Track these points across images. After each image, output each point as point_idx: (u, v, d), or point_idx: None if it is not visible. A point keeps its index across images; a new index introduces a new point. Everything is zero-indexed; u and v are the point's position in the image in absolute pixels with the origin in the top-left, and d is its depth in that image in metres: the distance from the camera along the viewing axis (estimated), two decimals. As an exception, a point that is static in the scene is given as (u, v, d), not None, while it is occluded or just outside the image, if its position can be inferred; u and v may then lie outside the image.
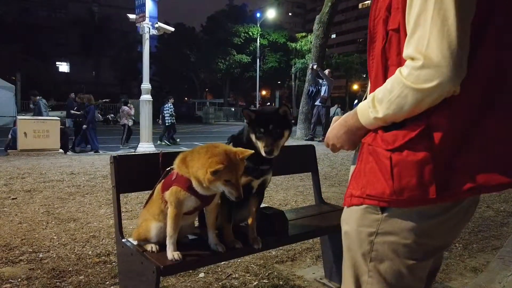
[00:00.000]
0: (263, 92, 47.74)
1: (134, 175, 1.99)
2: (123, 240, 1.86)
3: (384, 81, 1.03)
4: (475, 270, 2.94)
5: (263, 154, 1.66)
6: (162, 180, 1.73)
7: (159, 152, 2.00)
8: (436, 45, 0.89)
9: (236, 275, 2.69)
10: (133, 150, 10.09)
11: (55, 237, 3.23)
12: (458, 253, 3.30)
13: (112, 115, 29.35)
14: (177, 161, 1.67)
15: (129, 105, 14.11)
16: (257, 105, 25.03)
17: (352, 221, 1.12)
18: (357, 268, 1.11)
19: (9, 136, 9.32)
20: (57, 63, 47.58)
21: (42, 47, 38.85)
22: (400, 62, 1.00)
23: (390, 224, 1.05)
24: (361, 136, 1.11)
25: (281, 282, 2.58)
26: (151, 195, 1.79)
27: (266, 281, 2.60)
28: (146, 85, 10.22)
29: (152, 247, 1.72)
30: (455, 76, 0.90)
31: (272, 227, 2.03)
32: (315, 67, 12.29)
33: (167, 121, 13.74)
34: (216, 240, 1.76)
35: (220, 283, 2.54)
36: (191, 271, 2.67)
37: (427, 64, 0.90)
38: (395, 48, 1.02)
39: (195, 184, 1.59)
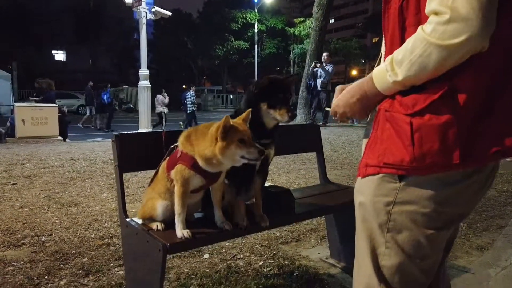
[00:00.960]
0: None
1: (137, 154, 1.94)
2: (127, 219, 1.82)
3: (402, 43, 0.97)
4: (480, 248, 2.93)
5: (285, 120, 1.62)
6: (167, 158, 1.69)
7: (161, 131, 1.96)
8: None
9: (241, 255, 2.67)
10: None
11: (57, 221, 3.19)
12: (463, 232, 3.29)
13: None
14: (181, 139, 1.62)
15: (163, 93, 14.85)
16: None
17: (367, 191, 1.08)
18: (373, 239, 1.07)
19: (8, 124, 9.24)
20: (53, 51, 47.06)
21: (38, 35, 38.40)
22: (420, 22, 0.94)
23: (408, 193, 1.00)
24: (375, 103, 1.06)
25: (286, 262, 2.56)
26: (156, 173, 1.75)
27: (272, 261, 2.58)
28: (144, 71, 10.11)
29: (157, 226, 1.68)
30: (485, 30, 0.84)
31: (278, 206, 2.00)
32: (318, 65, 12.12)
33: (189, 108, 14.50)
34: (222, 218, 1.72)
35: (225, 264, 2.52)
36: (195, 252, 2.65)
37: (454, 18, 0.85)
38: (414, 7, 0.96)
39: (201, 162, 1.54)
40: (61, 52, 49.09)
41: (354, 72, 50.89)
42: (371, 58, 48.43)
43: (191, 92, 14.79)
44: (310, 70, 12.31)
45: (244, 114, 1.57)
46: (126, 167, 1.92)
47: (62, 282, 2.21)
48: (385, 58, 1.04)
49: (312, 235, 3.09)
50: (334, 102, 1.17)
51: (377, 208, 1.05)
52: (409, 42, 0.93)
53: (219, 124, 1.48)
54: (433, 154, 0.93)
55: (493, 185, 4.96)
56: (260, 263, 2.55)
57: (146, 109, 10.19)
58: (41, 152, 6.65)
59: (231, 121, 1.50)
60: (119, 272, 2.33)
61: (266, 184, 2.08)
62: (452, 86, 0.91)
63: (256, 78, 36.34)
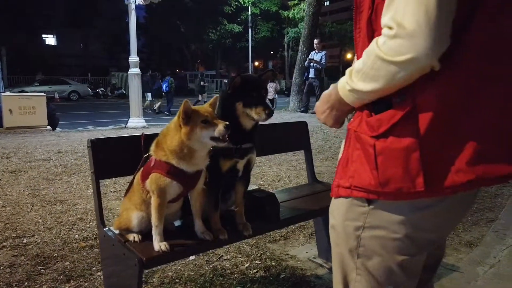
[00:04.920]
0: (256, 63, 47.03)
1: (115, 159, 1.87)
2: (104, 229, 1.76)
3: None
4: (470, 244, 2.91)
5: (262, 118, 1.56)
6: (141, 168, 1.61)
7: (140, 134, 1.87)
8: (412, 11, 0.77)
9: (228, 256, 2.62)
10: (124, 125, 9.90)
11: (40, 221, 3.13)
12: (453, 227, 3.27)
13: (103, 89, 28.82)
14: (152, 147, 1.57)
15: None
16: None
17: (338, 214, 1.02)
18: (345, 265, 1.02)
19: (-5, 113, 9.05)
20: (43, 35, 46.13)
21: (27, 19, 37.58)
22: None
23: (377, 217, 0.95)
24: (346, 112, 1.02)
25: (273, 263, 2.52)
26: (131, 183, 1.68)
27: (258, 262, 2.54)
28: (134, 58, 9.90)
29: (134, 237, 1.62)
30: (432, 49, 0.78)
31: (263, 211, 1.94)
32: (312, 64, 11.92)
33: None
34: (203, 228, 1.67)
35: (211, 266, 2.48)
36: (181, 253, 2.59)
37: (399, 34, 0.79)
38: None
39: (174, 160, 1.49)
40: (52, 36, 48.16)
41: (349, 56, 50.58)
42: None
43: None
44: (306, 63, 12.13)
45: (211, 100, 1.57)
46: (103, 173, 1.85)
47: (41, 289, 2.16)
48: None
49: (301, 233, 3.06)
50: (315, 107, 1.12)
51: (348, 232, 1.00)
52: (365, 53, 0.87)
53: (180, 110, 1.45)
54: (397, 180, 0.87)
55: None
56: (247, 265, 2.51)
57: (137, 96, 10.02)
58: (28, 144, 6.53)
59: (193, 106, 1.48)
60: (102, 277, 2.27)
61: (252, 187, 2.02)
62: (414, 106, 0.85)
63: (250, 62, 36.04)
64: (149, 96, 17.05)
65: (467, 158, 0.84)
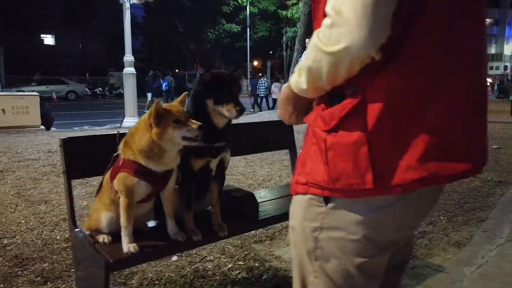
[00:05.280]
0: (255, 63, 46.97)
1: (88, 158, 1.82)
2: (76, 230, 1.71)
3: None
4: (458, 244, 2.87)
5: (233, 115, 1.52)
6: (111, 168, 1.57)
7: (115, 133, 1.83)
8: None
9: (211, 257, 2.58)
10: (119, 125, 9.86)
11: (23, 221, 3.08)
12: (442, 226, 3.23)
13: (101, 89, 28.76)
14: (121, 146, 1.52)
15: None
16: (249, 77, 24.92)
17: (297, 215, 0.98)
18: (303, 267, 0.98)
19: (-11, 113, 8.99)
20: (41, 35, 46.01)
21: (26, 18, 37.49)
22: None
23: (335, 218, 0.90)
24: (301, 106, 0.98)
25: (256, 264, 2.48)
26: (102, 183, 1.63)
27: (242, 263, 2.49)
28: (128, 57, 9.86)
29: (104, 238, 1.58)
30: (367, 39, 0.74)
31: (240, 211, 1.90)
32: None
33: (261, 93, 17.71)
34: (175, 228, 1.62)
35: (193, 267, 2.43)
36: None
37: (337, 21, 0.75)
38: None
39: (143, 159, 1.45)
40: (51, 36, 48.05)
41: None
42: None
43: (264, 80, 18.36)
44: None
45: (180, 97, 1.53)
46: (75, 173, 1.80)
47: (17, 292, 2.12)
48: None
49: (287, 233, 3.01)
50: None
51: (306, 234, 0.95)
52: (308, 45, 0.85)
53: (151, 110, 1.41)
54: (347, 176, 0.83)
55: (478, 174, 4.98)
56: (230, 266, 2.46)
57: (132, 96, 9.98)
58: (18, 143, 6.48)
59: (164, 105, 1.44)
60: (79, 279, 2.23)
61: (230, 187, 1.99)
62: (363, 99, 0.81)
63: (248, 62, 36.01)
64: (149, 95, 17.31)
65: (418, 154, 0.80)
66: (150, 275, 2.32)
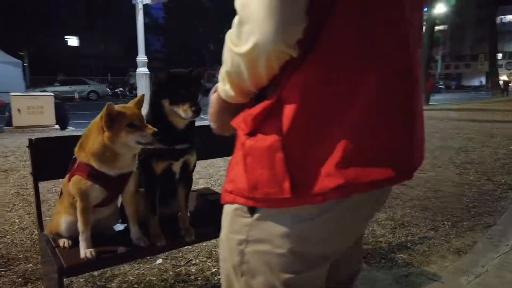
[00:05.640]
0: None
1: (57, 160, 1.78)
2: (41, 233, 1.69)
3: None
4: (458, 252, 2.72)
5: (189, 116, 1.44)
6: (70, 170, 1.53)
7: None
8: None
9: (197, 260, 2.53)
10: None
11: (17, 221, 3.10)
12: (445, 232, 3.08)
13: (121, 89, 29.24)
14: (76, 148, 1.47)
15: None
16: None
17: (224, 226, 0.90)
18: (230, 282, 0.90)
19: (6, 113, 9.22)
20: (66, 37, 47.18)
21: (51, 21, 38.56)
22: None
23: (261, 230, 0.82)
24: (229, 111, 0.89)
25: (241, 269, 2.41)
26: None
27: (226, 268, 2.43)
28: (142, 57, 9.95)
29: (64, 242, 1.54)
30: (276, 32, 0.65)
31: (216, 215, 1.82)
32: None
33: None
34: (138, 233, 1.57)
35: (176, 271, 2.38)
36: (148, 257, 2.51)
37: (244, 17, 0.67)
38: None
39: (95, 163, 1.40)
40: (74, 37, 49.22)
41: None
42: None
43: None
44: None
45: (137, 98, 1.47)
46: (43, 175, 1.77)
47: (-4, 292, 2.11)
48: None
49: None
50: None
51: (231, 247, 0.87)
52: (224, 50, 0.77)
53: (102, 113, 1.35)
54: (265, 184, 0.76)
55: (491, 177, 4.75)
56: (213, 270, 2.40)
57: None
58: (30, 143, 6.60)
59: (118, 107, 1.38)
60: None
61: (209, 190, 1.92)
62: (279, 99, 0.73)
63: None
64: None
65: (337, 160, 0.72)
66: (131, 278, 2.28)
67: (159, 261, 2.49)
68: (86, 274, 2.23)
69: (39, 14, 35.89)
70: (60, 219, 1.54)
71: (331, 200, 0.76)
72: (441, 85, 35.71)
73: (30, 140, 1.72)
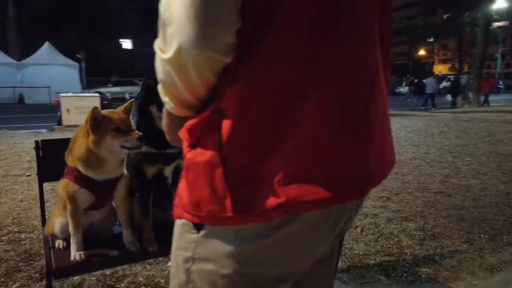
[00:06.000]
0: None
1: (62, 161, 1.83)
2: (44, 233, 1.73)
3: None
4: (492, 269, 2.49)
5: None
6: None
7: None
8: None
9: (209, 264, 2.50)
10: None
11: (46, 217, 3.24)
12: (480, 246, 2.83)
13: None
14: (66, 152, 1.49)
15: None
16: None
17: (173, 240, 0.85)
18: None
19: (58, 113, 9.80)
20: (120, 40, 49.51)
21: (105, 25, 40.60)
22: None
23: (207, 247, 0.76)
24: (177, 124, 0.82)
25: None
26: (61, 188, 1.63)
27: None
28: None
29: (59, 244, 1.57)
30: (199, 36, 0.59)
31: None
32: None
33: (428, 90, 18.09)
34: (130, 238, 1.57)
35: (186, 274, 2.37)
36: (161, 258, 2.52)
37: (167, 19, 0.61)
38: None
39: (81, 167, 1.40)
40: (128, 40, 51.52)
41: (421, 52, 47.68)
42: (441, 37, 45.05)
43: (431, 78, 18.78)
44: None
45: (126, 104, 1.46)
46: (48, 176, 1.83)
47: (13, 286, 2.21)
48: None
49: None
50: None
51: (178, 264, 0.82)
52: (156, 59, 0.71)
53: (88, 116, 1.35)
54: (206, 202, 0.70)
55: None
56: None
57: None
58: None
59: (105, 111, 1.38)
60: (74, 278, 2.27)
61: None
62: (218, 109, 0.67)
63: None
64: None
65: (279, 177, 0.65)
66: (140, 279, 2.30)
67: (170, 264, 2.49)
68: (98, 272, 2.28)
69: (95, 18, 37.87)
70: (55, 221, 1.58)
71: (278, 219, 0.69)
72: (500, 85, 33.40)
73: (37, 142, 1.78)
